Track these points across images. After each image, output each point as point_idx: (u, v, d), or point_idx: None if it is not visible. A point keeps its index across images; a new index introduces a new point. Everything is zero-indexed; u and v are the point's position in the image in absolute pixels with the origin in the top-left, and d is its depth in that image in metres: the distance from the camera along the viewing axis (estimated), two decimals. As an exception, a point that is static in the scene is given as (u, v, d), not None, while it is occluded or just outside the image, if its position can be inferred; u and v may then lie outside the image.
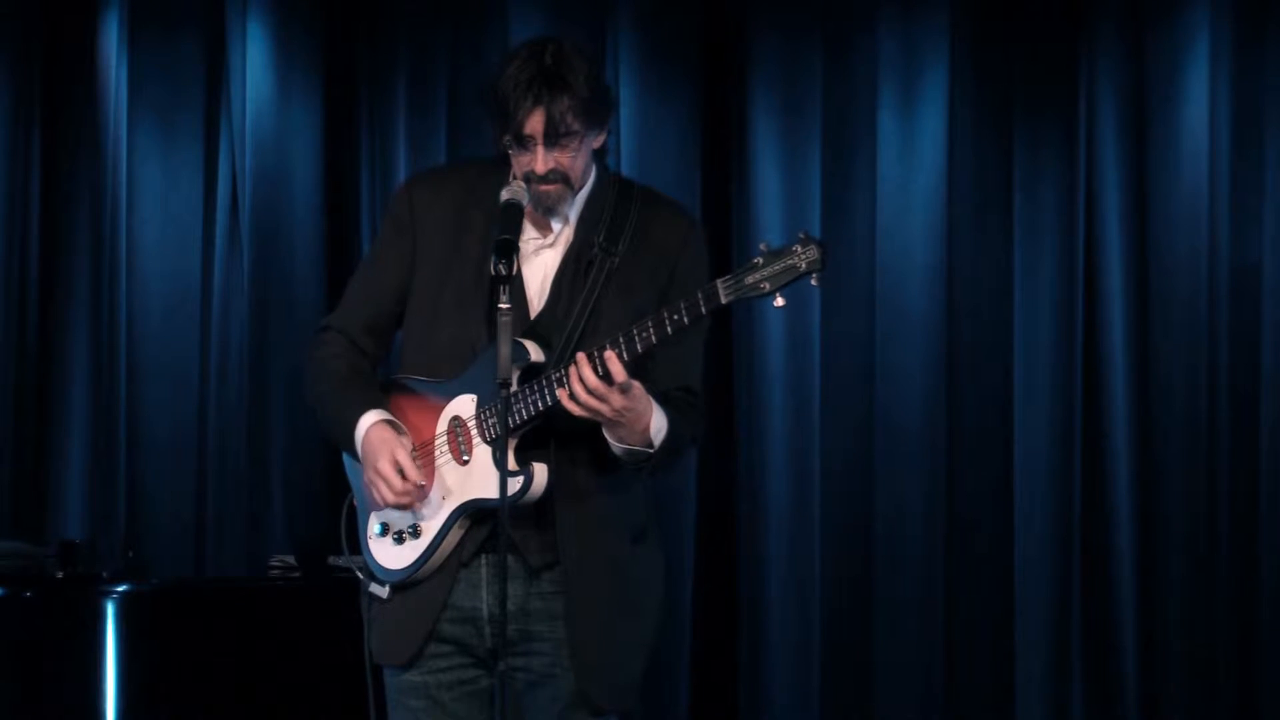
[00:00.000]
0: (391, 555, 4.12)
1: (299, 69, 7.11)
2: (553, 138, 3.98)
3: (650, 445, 3.99)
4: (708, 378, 6.84)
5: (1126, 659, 6.90)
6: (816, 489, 7.02)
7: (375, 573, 4.14)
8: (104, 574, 5.99)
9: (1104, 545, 6.94)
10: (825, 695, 7.02)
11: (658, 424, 3.98)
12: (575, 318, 4.05)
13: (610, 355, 3.86)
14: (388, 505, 4.05)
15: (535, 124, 3.97)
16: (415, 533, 4.09)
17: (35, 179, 7.05)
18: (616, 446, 3.99)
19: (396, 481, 4.03)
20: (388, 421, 4.08)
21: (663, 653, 6.06)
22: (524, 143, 4.00)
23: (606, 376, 3.87)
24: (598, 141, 4.09)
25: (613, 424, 3.95)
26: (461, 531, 4.08)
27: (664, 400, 4.02)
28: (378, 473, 4.04)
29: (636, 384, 3.92)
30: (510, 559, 4.02)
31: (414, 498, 4.04)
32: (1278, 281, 6.85)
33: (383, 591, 4.13)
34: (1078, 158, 6.97)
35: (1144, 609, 6.91)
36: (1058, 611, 6.95)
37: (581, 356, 3.89)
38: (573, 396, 3.89)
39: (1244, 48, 6.88)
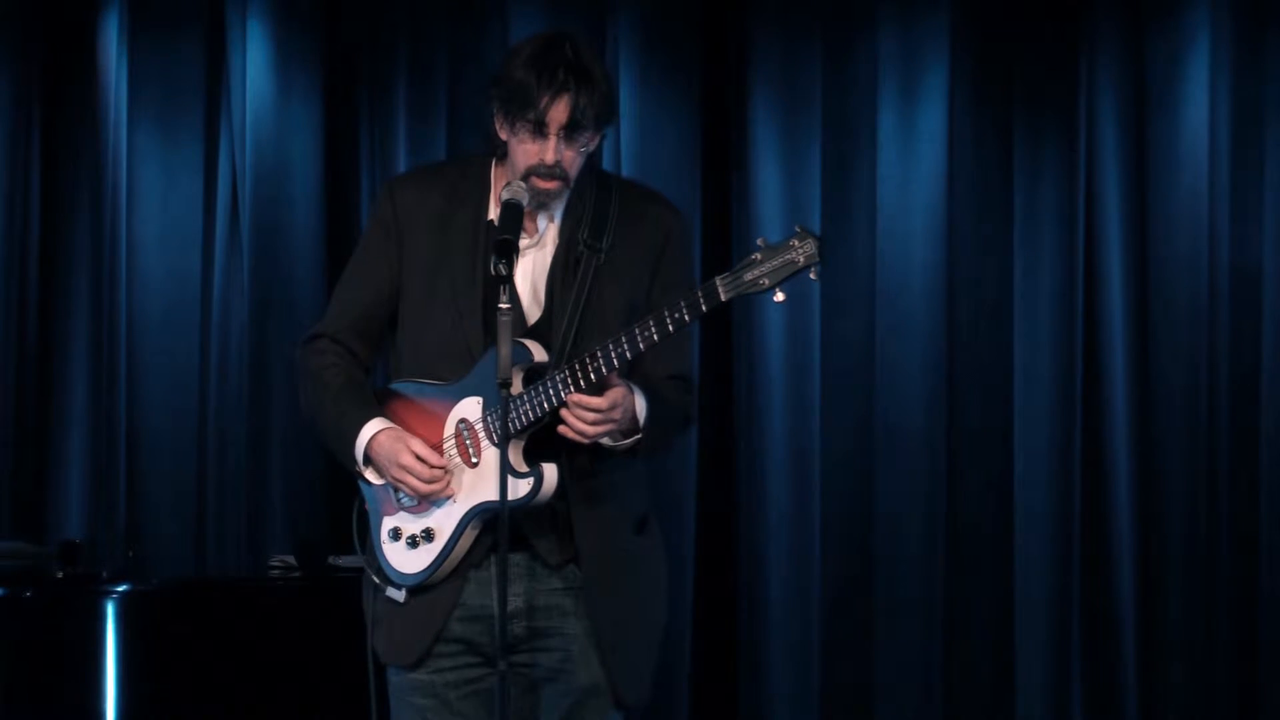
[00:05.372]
0: (406, 560, 4.11)
1: (299, 69, 7.11)
2: (570, 128, 3.98)
3: (638, 430, 4.00)
4: (708, 378, 6.97)
5: (1126, 658, 6.89)
6: (816, 489, 7.02)
7: (390, 576, 4.13)
8: (104, 574, 5.99)
9: (1104, 545, 6.94)
10: (825, 695, 7.02)
11: (639, 406, 3.99)
12: (570, 317, 4.05)
13: (578, 400, 3.89)
14: (422, 497, 4.05)
15: (558, 112, 3.96)
16: (429, 537, 4.09)
17: (35, 179, 7.04)
18: (610, 442, 4.01)
19: (423, 469, 4.03)
20: (391, 427, 4.08)
21: (663, 652, 6.03)
22: (540, 131, 3.99)
23: (595, 407, 3.90)
24: (595, 143, 4.09)
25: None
26: (475, 534, 4.08)
27: (650, 391, 4.03)
28: (403, 468, 4.04)
29: (614, 392, 3.92)
30: (524, 556, 4.05)
31: (443, 481, 4.05)
32: (1278, 281, 6.85)
33: (400, 595, 4.12)
34: (1078, 157, 6.97)
35: (1144, 608, 6.90)
36: (1058, 611, 6.95)
37: (567, 414, 3.90)
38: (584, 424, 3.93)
39: (1244, 48, 6.88)
